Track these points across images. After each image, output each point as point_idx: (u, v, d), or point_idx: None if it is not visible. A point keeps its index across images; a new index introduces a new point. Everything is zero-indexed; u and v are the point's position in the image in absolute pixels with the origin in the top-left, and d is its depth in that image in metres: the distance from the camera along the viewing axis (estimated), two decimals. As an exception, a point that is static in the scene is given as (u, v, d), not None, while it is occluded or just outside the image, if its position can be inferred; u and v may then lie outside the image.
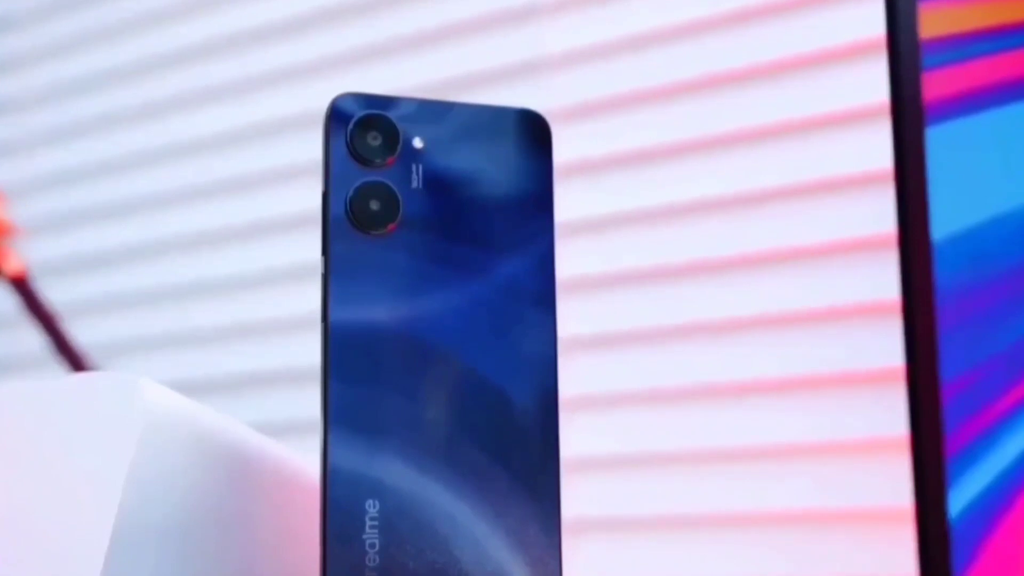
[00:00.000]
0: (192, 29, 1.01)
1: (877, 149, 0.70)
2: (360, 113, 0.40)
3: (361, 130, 0.40)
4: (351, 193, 0.39)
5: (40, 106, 1.09)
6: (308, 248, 0.90)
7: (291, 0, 0.95)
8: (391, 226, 0.39)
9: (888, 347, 0.68)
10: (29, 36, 1.11)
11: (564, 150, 0.80)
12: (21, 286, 0.78)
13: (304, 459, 0.46)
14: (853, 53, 0.73)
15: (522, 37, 0.84)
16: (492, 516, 0.38)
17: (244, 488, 0.42)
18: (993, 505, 0.47)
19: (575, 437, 0.78)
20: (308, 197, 0.91)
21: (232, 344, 0.95)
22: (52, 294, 0.99)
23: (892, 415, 0.68)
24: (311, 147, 0.90)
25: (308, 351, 0.90)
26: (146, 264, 1.01)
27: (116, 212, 1.03)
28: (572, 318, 0.79)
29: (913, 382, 0.49)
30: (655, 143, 0.79)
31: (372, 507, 0.37)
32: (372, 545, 0.37)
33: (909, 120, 0.50)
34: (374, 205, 0.39)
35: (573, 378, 0.78)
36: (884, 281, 0.69)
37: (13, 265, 0.78)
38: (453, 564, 0.37)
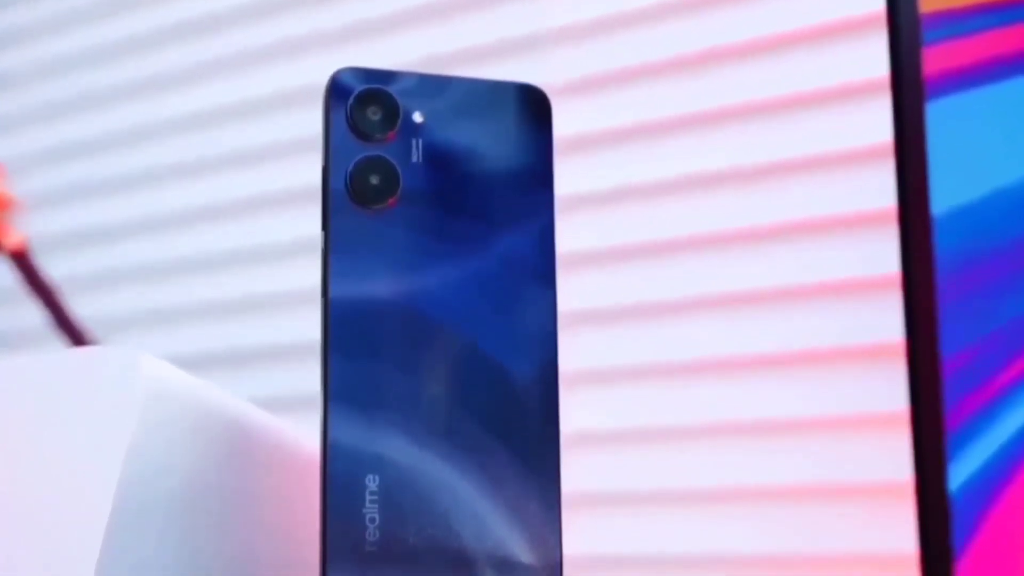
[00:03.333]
0: (193, 3, 1.00)
1: (877, 124, 0.70)
2: (360, 88, 0.40)
3: (361, 105, 0.40)
4: (351, 168, 0.39)
5: (40, 81, 1.09)
6: (308, 223, 0.90)
7: (291, -26, 0.95)
8: (391, 201, 0.39)
9: (888, 322, 0.68)
10: (28, 10, 1.10)
11: (564, 125, 0.80)
12: (21, 260, 0.78)
13: (304, 434, 0.46)
14: (853, 28, 0.73)
15: (523, 11, 0.84)
16: (492, 491, 0.38)
17: (244, 463, 0.43)
18: (993, 479, 0.47)
19: (575, 412, 0.78)
20: (308, 172, 0.91)
21: (232, 319, 0.95)
22: (52, 268, 0.99)
23: (892, 390, 0.68)
24: (311, 122, 0.90)
25: (308, 326, 0.90)
26: (146, 239, 1.00)
27: (116, 186, 1.03)
28: (572, 293, 0.79)
29: (913, 357, 0.49)
30: (655, 118, 0.79)
31: (372, 482, 0.37)
32: (372, 520, 0.37)
33: (909, 95, 0.50)
34: (374, 180, 0.39)
35: (573, 353, 0.78)
36: (884, 256, 0.69)
37: (13, 239, 0.78)
38: (453, 538, 0.37)
